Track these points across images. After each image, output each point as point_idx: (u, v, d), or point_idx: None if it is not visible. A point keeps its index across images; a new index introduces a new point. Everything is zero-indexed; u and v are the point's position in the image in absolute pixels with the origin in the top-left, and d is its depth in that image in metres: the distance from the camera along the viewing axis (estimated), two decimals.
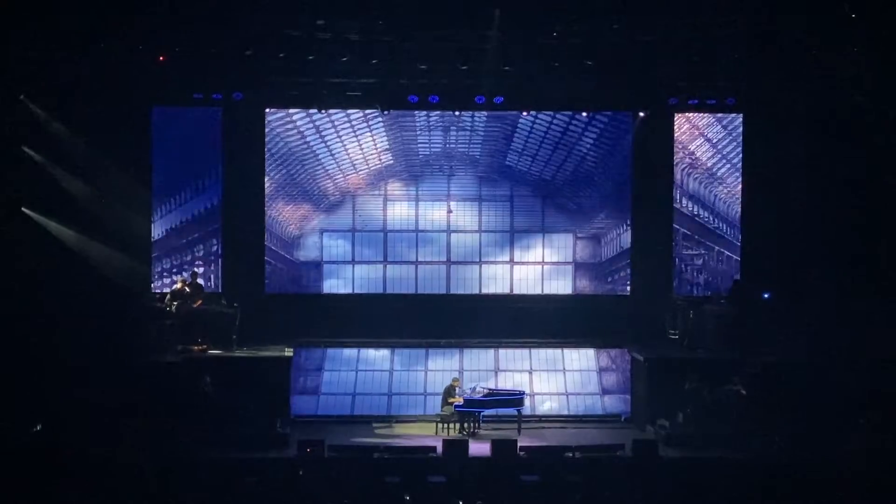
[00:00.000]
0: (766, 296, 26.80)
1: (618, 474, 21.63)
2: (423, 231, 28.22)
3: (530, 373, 27.37)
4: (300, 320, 27.06)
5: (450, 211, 28.16)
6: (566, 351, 27.67)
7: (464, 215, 28.24)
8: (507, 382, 26.74)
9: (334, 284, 28.15)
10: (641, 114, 27.79)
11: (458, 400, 24.91)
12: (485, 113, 27.67)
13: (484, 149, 28.21)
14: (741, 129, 28.01)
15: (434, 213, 28.17)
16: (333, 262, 28.14)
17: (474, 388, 25.40)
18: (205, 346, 25.09)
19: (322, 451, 21.90)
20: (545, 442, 24.02)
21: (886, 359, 23.68)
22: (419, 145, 28.08)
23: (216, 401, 23.62)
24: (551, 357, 27.62)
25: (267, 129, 27.52)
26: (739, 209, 28.08)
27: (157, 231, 27.15)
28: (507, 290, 28.42)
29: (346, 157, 27.94)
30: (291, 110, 27.57)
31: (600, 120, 28.09)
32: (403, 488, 20.70)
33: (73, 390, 22.64)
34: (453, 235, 28.25)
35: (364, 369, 27.24)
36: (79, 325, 24.19)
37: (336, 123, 27.71)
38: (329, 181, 27.96)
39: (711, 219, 28.22)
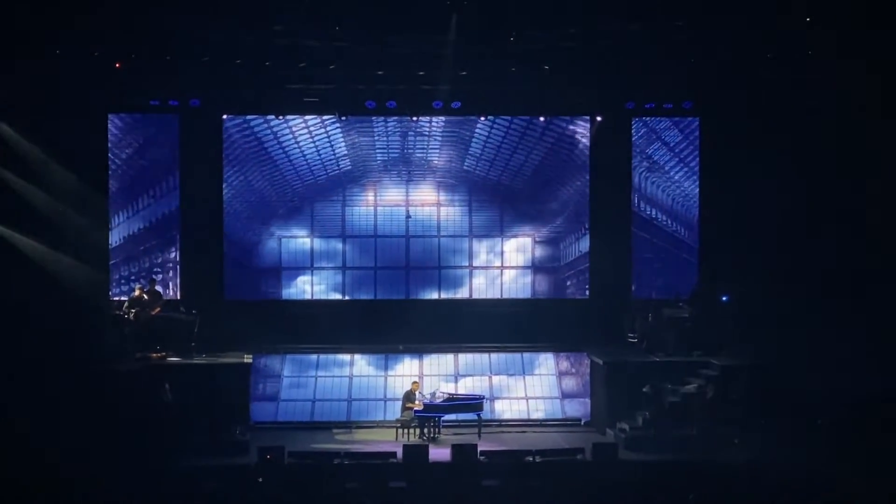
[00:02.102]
0: (724, 298, 26.94)
1: (578, 478, 21.66)
2: (381, 236, 28.19)
3: (490, 377, 27.39)
4: (259, 327, 26.90)
5: (408, 216, 28.15)
6: (526, 355, 27.75)
7: (422, 220, 28.23)
8: (466, 387, 26.78)
9: (293, 291, 28.08)
10: (598, 118, 27.88)
11: (418, 405, 24.92)
12: (442, 118, 27.70)
13: (442, 154, 28.23)
14: (698, 132, 28.16)
15: (393, 219, 28.14)
16: (292, 268, 28.08)
17: (434, 394, 25.41)
18: (163, 354, 25.01)
19: (282, 458, 21.81)
20: (505, 446, 23.98)
21: (845, 360, 23.80)
22: (377, 151, 28.04)
23: (175, 408, 23.50)
24: (511, 361, 27.67)
25: (224, 136, 27.45)
26: (697, 212, 28.22)
27: (114, 238, 27.01)
28: (466, 295, 28.44)
29: (304, 162, 27.88)
30: (249, 116, 27.51)
31: (557, 124, 28.16)
32: (364, 494, 20.68)
33: (30, 399, 22.44)
34: (412, 241, 28.25)
35: (324, 375, 27.20)
36: (36, 333, 23.96)
37: (294, 129, 27.66)
38: (287, 187, 27.89)
39: (669, 222, 28.34)
